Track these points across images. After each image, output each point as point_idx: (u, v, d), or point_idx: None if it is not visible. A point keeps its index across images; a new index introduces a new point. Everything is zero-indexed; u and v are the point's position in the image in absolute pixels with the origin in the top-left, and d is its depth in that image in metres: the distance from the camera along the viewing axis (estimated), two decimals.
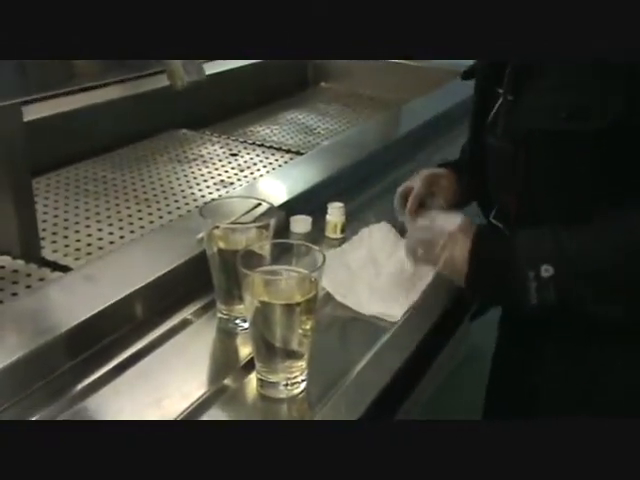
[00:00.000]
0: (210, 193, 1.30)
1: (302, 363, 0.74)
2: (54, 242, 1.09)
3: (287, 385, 0.74)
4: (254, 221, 0.85)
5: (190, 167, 1.42)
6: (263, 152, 1.51)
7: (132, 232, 1.13)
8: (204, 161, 1.45)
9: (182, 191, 1.30)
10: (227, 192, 1.30)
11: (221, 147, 1.54)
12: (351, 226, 1.09)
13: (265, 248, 0.79)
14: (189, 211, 1.21)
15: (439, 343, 0.94)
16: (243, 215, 0.88)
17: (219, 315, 0.86)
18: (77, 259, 1.04)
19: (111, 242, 1.10)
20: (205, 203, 0.86)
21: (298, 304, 0.71)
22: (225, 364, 0.81)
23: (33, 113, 1.29)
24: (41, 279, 0.95)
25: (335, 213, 1.08)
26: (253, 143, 1.57)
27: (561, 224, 0.76)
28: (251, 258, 0.74)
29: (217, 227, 0.82)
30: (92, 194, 1.27)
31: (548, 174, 0.80)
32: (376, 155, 1.37)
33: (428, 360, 0.90)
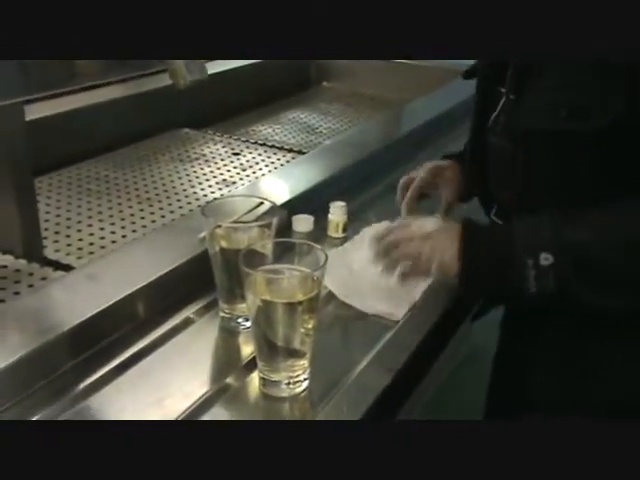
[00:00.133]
0: (212, 192, 1.30)
1: (304, 362, 0.74)
2: (56, 241, 1.09)
3: (289, 384, 0.74)
4: (256, 220, 0.85)
5: (192, 166, 1.42)
6: (265, 151, 1.51)
7: (134, 231, 1.14)
8: (206, 160, 1.45)
9: (184, 190, 1.30)
10: (229, 191, 1.30)
11: (223, 146, 1.54)
12: (353, 225, 1.09)
13: (267, 247, 0.79)
14: (191, 210, 1.21)
15: (440, 342, 0.94)
16: (245, 214, 0.88)
17: (221, 314, 0.86)
18: (79, 258, 1.04)
19: (113, 241, 1.10)
20: (207, 202, 0.86)
21: (300, 303, 0.71)
22: (227, 363, 0.81)
23: (35, 112, 1.30)
24: (43, 278, 0.95)
25: (337, 212, 1.08)
26: (255, 142, 1.57)
27: (560, 213, 0.76)
28: (253, 257, 0.74)
29: (219, 226, 0.82)
30: (94, 193, 1.27)
31: (548, 174, 0.80)
32: (378, 154, 1.37)
33: (429, 360, 0.90)
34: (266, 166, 1.43)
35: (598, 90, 0.73)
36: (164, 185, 1.32)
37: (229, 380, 0.77)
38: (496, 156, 0.88)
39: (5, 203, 0.98)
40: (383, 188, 1.29)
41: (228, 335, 0.85)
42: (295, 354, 0.73)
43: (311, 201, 1.13)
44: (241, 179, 1.36)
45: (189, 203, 1.25)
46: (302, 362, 0.74)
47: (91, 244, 1.09)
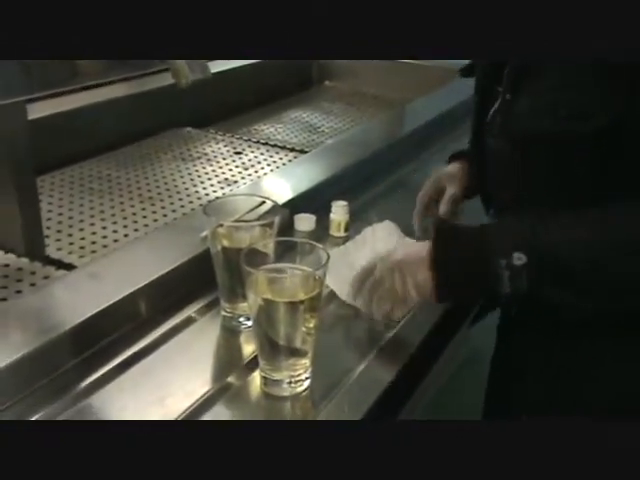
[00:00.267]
0: (214, 191, 1.30)
1: (306, 361, 0.74)
2: (58, 240, 1.09)
3: (291, 383, 0.74)
4: (258, 219, 0.85)
5: (194, 165, 1.42)
6: (267, 150, 1.51)
7: (136, 230, 1.14)
8: (208, 159, 1.46)
9: (186, 189, 1.30)
10: (231, 190, 1.30)
11: (225, 145, 1.54)
12: (355, 225, 1.09)
13: (269, 246, 0.79)
14: (193, 209, 1.21)
15: (441, 342, 0.94)
16: (247, 213, 0.88)
17: (223, 313, 0.86)
18: (81, 257, 1.04)
19: (115, 240, 1.10)
20: (209, 201, 0.86)
21: (302, 302, 0.71)
22: (229, 362, 0.81)
23: (37, 111, 1.30)
24: (45, 277, 0.95)
25: (339, 211, 1.08)
26: (257, 141, 1.57)
27: (536, 214, 0.76)
28: (255, 256, 0.74)
29: (221, 225, 0.82)
30: (96, 192, 1.27)
31: (546, 175, 0.80)
32: (380, 154, 1.37)
33: (430, 359, 0.90)
34: (268, 165, 1.43)
35: (598, 90, 0.73)
36: (166, 184, 1.32)
37: (230, 379, 0.77)
38: (494, 157, 0.87)
39: (7, 202, 0.99)
40: (385, 187, 1.29)
41: (229, 334, 0.85)
42: (296, 353, 0.73)
43: (313, 200, 1.13)
44: (243, 178, 1.36)
45: (191, 202, 1.25)
46: (303, 361, 0.74)
47: (93, 243, 1.09)
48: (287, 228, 1.04)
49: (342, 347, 0.85)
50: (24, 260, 0.99)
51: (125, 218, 1.18)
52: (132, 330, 0.83)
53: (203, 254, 0.88)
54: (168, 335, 0.83)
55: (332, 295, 0.91)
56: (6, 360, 0.70)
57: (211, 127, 1.66)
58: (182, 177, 1.36)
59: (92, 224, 1.15)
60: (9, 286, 0.93)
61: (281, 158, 1.47)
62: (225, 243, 0.82)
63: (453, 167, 1.05)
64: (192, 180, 1.35)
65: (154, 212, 1.20)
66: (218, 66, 1.64)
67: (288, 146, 1.55)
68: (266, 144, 1.55)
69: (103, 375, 0.76)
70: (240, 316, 0.84)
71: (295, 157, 1.47)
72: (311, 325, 0.72)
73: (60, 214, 1.18)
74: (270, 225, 0.83)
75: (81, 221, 1.16)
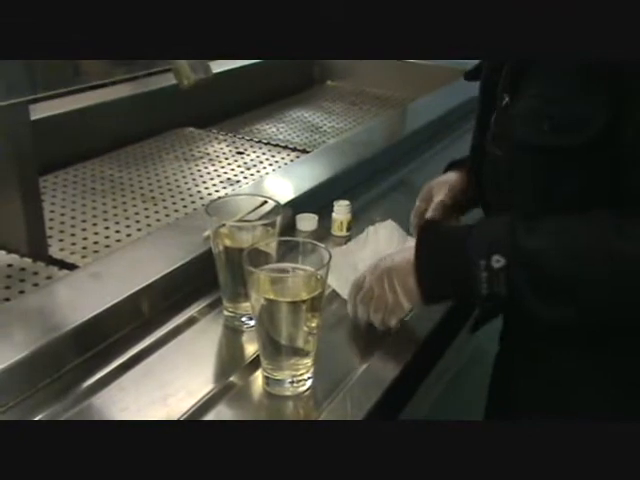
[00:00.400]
0: (216, 191, 1.30)
1: (308, 361, 0.74)
2: (61, 240, 1.09)
3: (293, 383, 0.74)
4: (260, 219, 0.85)
5: (196, 165, 1.42)
6: (269, 150, 1.51)
7: (139, 230, 1.14)
8: (210, 159, 1.46)
9: (188, 189, 1.30)
10: (233, 190, 1.30)
11: (227, 145, 1.54)
12: (357, 224, 1.09)
13: (271, 246, 0.79)
14: (195, 209, 1.21)
15: (444, 341, 0.94)
16: (249, 213, 0.88)
17: (225, 313, 0.86)
18: (84, 257, 1.05)
19: (118, 240, 1.10)
20: (211, 201, 0.86)
21: (304, 302, 0.71)
22: (231, 362, 0.81)
23: (40, 112, 1.30)
24: (48, 277, 0.95)
25: (341, 211, 1.08)
26: (259, 141, 1.57)
27: (519, 217, 0.75)
28: (257, 256, 0.74)
29: (223, 225, 0.82)
30: (99, 192, 1.27)
31: (538, 185, 0.79)
32: (382, 153, 1.37)
33: (433, 358, 0.90)
34: (270, 165, 1.43)
35: (583, 104, 0.73)
36: (168, 184, 1.32)
37: (233, 379, 0.77)
38: (486, 163, 0.87)
39: (10, 202, 0.99)
40: (387, 187, 1.29)
41: (232, 334, 0.85)
42: (299, 353, 0.73)
43: (315, 200, 1.13)
44: (245, 178, 1.36)
45: (193, 202, 1.25)
46: (306, 361, 0.74)
47: (96, 243, 1.09)
48: (289, 228, 1.05)
49: (344, 347, 0.85)
50: (27, 260, 0.99)
51: (127, 218, 1.18)
52: (134, 330, 0.83)
53: (205, 254, 0.88)
54: (170, 335, 0.83)
55: (334, 294, 0.91)
56: (9, 360, 0.70)
57: (213, 127, 1.66)
58: (184, 177, 1.36)
59: (95, 224, 1.15)
60: (12, 286, 0.93)
61: (283, 158, 1.47)
62: (227, 243, 0.82)
63: (447, 176, 1.05)
64: (194, 180, 1.35)
65: (156, 212, 1.21)
66: (220, 66, 1.64)
67: (290, 146, 1.55)
68: (268, 144, 1.55)
69: (105, 375, 0.76)
70: (242, 316, 0.85)
71: (297, 157, 1.47)
72: (313, 325, 0.72)
73: (63, 214, 1.18)
74: (272, 225, 0.83)
75: (84, 221, 1.16)
